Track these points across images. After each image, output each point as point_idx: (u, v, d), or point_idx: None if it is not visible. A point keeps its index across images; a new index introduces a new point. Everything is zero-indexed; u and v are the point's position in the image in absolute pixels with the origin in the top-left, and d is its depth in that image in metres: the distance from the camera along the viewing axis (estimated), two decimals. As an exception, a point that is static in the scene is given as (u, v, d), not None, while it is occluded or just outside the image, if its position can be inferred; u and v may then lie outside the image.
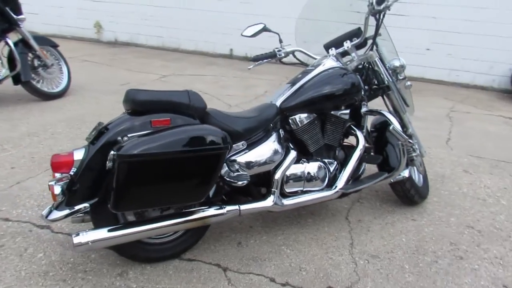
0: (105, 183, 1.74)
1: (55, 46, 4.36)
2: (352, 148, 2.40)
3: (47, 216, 1.71)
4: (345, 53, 2.47)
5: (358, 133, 2.30)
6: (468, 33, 6.27)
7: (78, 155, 1.73)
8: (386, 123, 2.54)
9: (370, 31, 2.40)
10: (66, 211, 1.68)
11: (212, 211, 1.87)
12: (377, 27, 2.28)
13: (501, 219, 2.56)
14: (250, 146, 2.02)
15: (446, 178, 3.08)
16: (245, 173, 1.93)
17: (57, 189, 1.63)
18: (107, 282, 1.83)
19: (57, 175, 1.77)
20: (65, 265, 1.91)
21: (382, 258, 2.12)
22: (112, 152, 1.60)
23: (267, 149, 2.04)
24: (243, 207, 1.95)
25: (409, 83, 2.52)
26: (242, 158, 1.97)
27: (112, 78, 5.54)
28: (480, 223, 2.50)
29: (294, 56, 2.54)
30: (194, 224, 1.85)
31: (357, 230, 2.35)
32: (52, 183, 1.73)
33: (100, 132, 1.76)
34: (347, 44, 2.36)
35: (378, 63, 2.40)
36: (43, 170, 2.81)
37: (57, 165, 1.70)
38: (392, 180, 2.38)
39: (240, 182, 1.87)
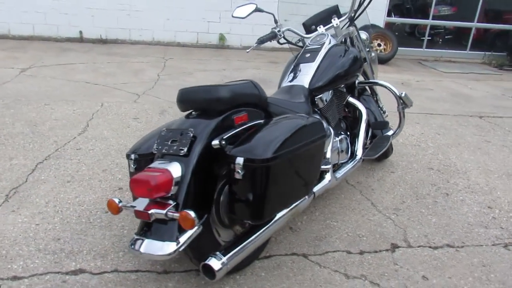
0: (209, 197, 1.52)
1: None
2: (347, 118, 2.62)
3: (143, 251, 1.40)
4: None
5: (359, 104, 2.50)
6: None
7: (175, 171, 1.45)
8: (359, 91, 2.83)
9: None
10: (181, 240, 1.41)
11: (297, 200, 1.82)
12: (363, 6, 2.48)
13: (440, 158, 3.20)
14: None
15: (380, 133, 3.61)
16: None
17: (193, 213, 1.34)
18: (215, 305, 1.62)
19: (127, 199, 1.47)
20: (152, 305, 1.60)
21: (402, 209, 2.44)
22: (239, 160, 1.41)
23: (321, 130, 2.07)
24: (315, 189, 1.95)
25: (373, 54, 2.84)
26: (310, 143, 1.96)
27: (-42, 77, 4.30)
28: (433, 164, 3.07)
29: (284, 38, 2.53)
30: (290, 216, 1.77)
31: (365, 191, 2.61)
32: (153, 210, 1.41)
33: (191, 141, 1.50)
34: (336, 21, 2.50)
35: (358, 37, 2.62)
36: (-4, 207, 2.13)
37: (157, 188, 1.39)
38: None
39: (326, 166, 1.87)
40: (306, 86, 2.17)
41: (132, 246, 1.45)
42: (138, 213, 1.44)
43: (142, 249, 1.41)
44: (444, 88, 5.62)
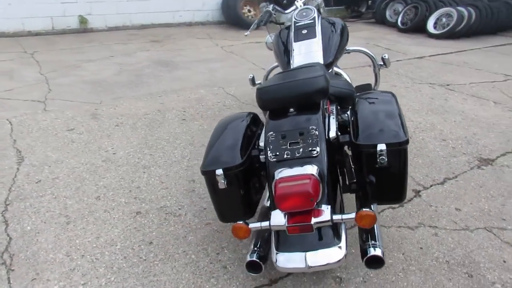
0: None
1: None
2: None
3: (312, 264, 1.32)
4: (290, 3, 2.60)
5: (343, 72, 2.63)
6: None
7: (316, 174, 1.37)
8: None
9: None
10: (341, 242, 1.36)
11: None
12: None
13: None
14: None
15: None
16: None
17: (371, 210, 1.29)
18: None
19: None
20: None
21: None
22: (381, 146, 1.39)
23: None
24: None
25: None
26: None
27: None
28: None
29: (269, 14, 2.44)
30: None
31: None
32: (315, 219, 1.32)
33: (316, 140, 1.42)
34: (311, -6, 2.53)
35: (324, 8, 2.71)
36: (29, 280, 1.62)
37: (316, 196, 1.30)
38: None
39: None
40: (322, 62, 2.18)
41: (283, 264, 1.34)
42: (295, 228, 1.33)
43: (310, 263, 1.32)
44: (323, 44, 6.17)
